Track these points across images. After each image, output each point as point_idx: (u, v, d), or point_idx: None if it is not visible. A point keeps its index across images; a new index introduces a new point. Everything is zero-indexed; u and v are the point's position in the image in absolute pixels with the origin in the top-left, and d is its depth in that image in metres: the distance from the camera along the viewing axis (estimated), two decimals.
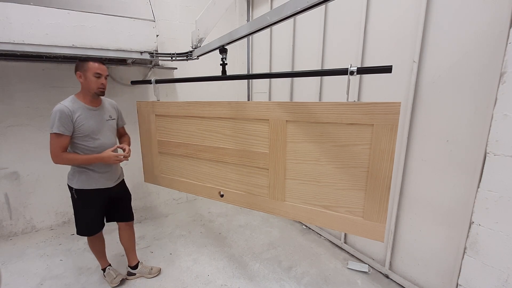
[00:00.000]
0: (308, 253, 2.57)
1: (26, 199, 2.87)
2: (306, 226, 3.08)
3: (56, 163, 1.72)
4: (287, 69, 3.06)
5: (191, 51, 2.53)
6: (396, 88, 1.99)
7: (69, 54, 2.24)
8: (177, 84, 3.46)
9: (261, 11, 3.45)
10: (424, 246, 1.95)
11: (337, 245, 2.68)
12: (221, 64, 1.89)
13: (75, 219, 1.92)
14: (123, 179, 2.10)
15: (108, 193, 1.94)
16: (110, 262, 2.21)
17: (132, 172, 3.26)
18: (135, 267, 2.21)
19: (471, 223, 1.58)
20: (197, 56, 2.34)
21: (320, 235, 2.88)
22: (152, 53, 2.60)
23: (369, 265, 2.34)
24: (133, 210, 2.17)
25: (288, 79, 3.01)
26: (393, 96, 2.02)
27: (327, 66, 2.58)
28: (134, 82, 2.44)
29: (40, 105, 2.76)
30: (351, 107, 1.34)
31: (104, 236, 2.10)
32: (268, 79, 3.35)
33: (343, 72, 1.31)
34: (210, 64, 2.94)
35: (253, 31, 1.53)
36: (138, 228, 2.99)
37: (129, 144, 2.03)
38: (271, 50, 3.31)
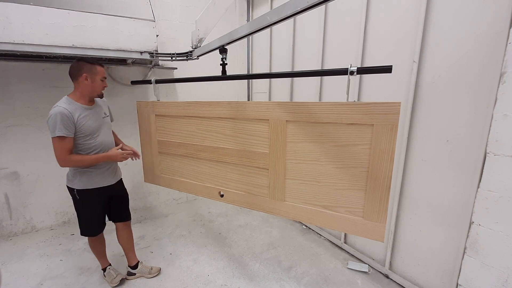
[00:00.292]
0: (308, 253, 2.57)
1: (26, 199, 2.87)
2: (306, 226, 3.08)
3: (63, 166, 1.72)
4: (287, 69, 3.06)
5: (191, 51, 2.53)
6: (396, 88, 1.99)
7: (69, 54, 2.24)
8: (177, 84, 3.46)
9: (261, 11, 3.45)
10: (424, 246, 1.95)
11: (337, 245, 2.68)
12: (221, 64, 1.89)
13: (79, 219, 1.93)
14: (121, 178, 2.11)
15: (110, 191, 1.95)
16: (110, 262, 2.21)
17: (132, 172, 3.26)
18: (135, 266, 2.21)
19: (471, 223, 1.58)
20: (197, 56, 2.34)
21: (320, 235, 2.88)
22: (152, 53, 2.60)
23: (369, 265, 2.34)
24: (133, 210, 2.17)
25: (288, 79, 3.01)
26: (393, 96, 2.02)
27: (327, 66, 2.58)
28: (134, 82, 2.44)
29: (40, 105, 2.76)
30: (351, 107, 1.34)
31: (104, 236, 2.10)
32: (268, 79, 3.35)
33: (343, 72, 1.31)
34: (210, 64, 2.94)
35: (253, 31, 1.53)
36: (138, 228, 2.99)
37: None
38: (271, 50, 3.31)
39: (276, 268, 2.35)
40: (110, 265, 2.18)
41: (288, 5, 1.26)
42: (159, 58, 2.74)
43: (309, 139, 1.50)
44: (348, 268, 2.34)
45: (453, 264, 1.76)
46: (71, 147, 1.69)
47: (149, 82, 2.27)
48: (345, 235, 2.61)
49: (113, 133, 2.10)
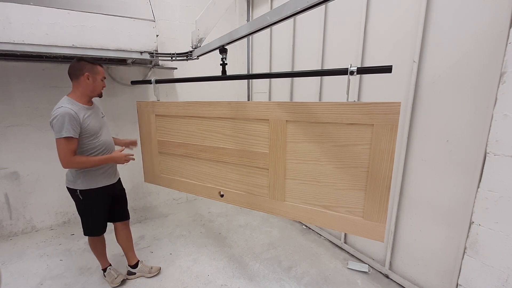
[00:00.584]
0: (308, 253, 2.57)
1: (26, 199, 2.87)
2: (306, 226, 3.08)
3: (67, 167, 1.72)
4: (287, 69, 3.06)
5: (191, 51, 2.53)
6: (396, 88, 1.99)
7: (69, 54, 2.24)
8: (177, 84, 3.46)
9: (261, 11, 3.45)
10: (424, 246, 1.95)
11: (337, 245, 2.68)
12: (221, 64, 1.89)
13: (82, 220, 1.93)
14: (119, 177, 2.12)
15: (112, 190, 1.96)
16: (110, 262, 2.21)
17: (132, 172, 3.26)
18: (135, 266, 2.21)
19: (471, 223, 1.58)
20: (197, 56, 2.34)
21: (320, 235, 2.88)
22: (152, 53, 2.60)
23: (369, 265, 2.34)
24: (133, 210, 2.17)
25: (288, 79, 3.01)
26: (393, 96, 2.02)
27: (327, 66, 2.58)
28: (134, 82, 2.44)
29: (40, 105, 2.76)
30: (351, 107, 1.34)
31: (104, 236, 2.09)
32: (268, 79, 3.35)
33: (343, 72, 1.31)
34: (210, 64, 2.94)
35: (253, 31, 1.53)
36: (138, 228, 2.99)
37: None
38: (271, 50, 3.31)
39: (276, 268, 2.35)
40: (110, 265, 2.18)
41: (288, 5, 1.26)
42: (159, 58, 2.74)
43: (309, 139, 1.50)
44: (348, 268, 2.34)
45: (453, 264, 1.76)
46: (75, 148, 1.69)
47: (149, 82, 2.27)
48: (345, 235, 2.61)
49: None
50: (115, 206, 2.05)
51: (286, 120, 1.55)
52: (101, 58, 2.45)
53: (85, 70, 1.71)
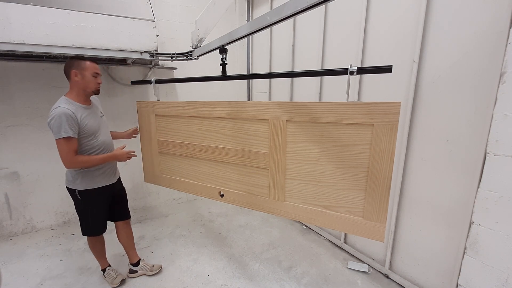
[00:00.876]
0: (308, 253, 2.57)
1: (26, 199, 2.87)
2: (306, 226, 3.08)
3: (69, 168, 1.72)
4: (287, 69, 3.06)
5: (191, 51, 2.53)
6: (396, 88, 1.99)
7: (69, 54, 2.24)
8: (177, 84, 3.46)
9: (261, 11, 3.45)
10: (424, 246, 1.95)
11: (337, 245, 2.68)
12: (221, 64, 1.89)
13: (81, 220, 1.92)
14: (120, 176, 2.12)
15: (111, 190, 1.96)
16: (110, 262, 2.21)
17: (132, 172, 3.26)
18: (137, 264, 2.21)
19: (471, 223, 1.58)
20: (197, 56, 2.34)
21: (320, 235, 2.88)
22: (152, 53, 2.60)
23: (369, 265, 2.34)
24: (133, 210, 2.17)
25: (288, 79, 3.01)
26: (393, 96, 2.02)
27: (327, 66, 2.58)
28: (134, 82, 2.44)
29: (40, 105, 2.76)
30: (351, 107, 1.34)
31: (104, 236, 2.09)
32: (268, 79, 3.35)
33: (343, 72, 1.31)
34: (210, 64, 2.94)
35: (253, 31, 1.53)
36: (138, 228, 2.99)
37: None
38: (271, 50, 3.31)
39: (276, 268, 2.35)
40: (109, 265, 2.18)
41: (288, 5, 1.26)
42: (159, 58, 2.74)
43: (309, 139, 1.50)
44: (348, 268, 2.34)
45: (453, 264, 1.76)
46: (77, 148, 1.68)
47: (149, 82, 2.27)
48: (345, 235, 2.61)
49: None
50: (115, 205, 2.05)
51: (286, 120, 1.55)
52: (101, 58, 2.45)
53: (73, 67, 1.69)
